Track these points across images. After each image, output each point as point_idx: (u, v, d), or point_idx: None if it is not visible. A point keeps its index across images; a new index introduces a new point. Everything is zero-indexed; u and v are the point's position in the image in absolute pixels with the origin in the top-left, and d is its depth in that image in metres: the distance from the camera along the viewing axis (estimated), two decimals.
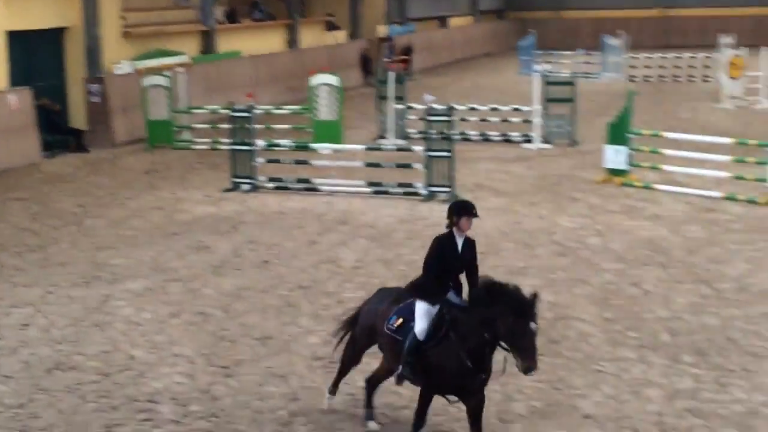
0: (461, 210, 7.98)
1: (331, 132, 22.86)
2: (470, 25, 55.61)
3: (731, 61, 30.53)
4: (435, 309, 7.80)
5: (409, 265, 13.60)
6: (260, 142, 19.00)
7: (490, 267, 13.38)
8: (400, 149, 19.76)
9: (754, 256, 13.80)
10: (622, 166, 18.69)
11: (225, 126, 20.50)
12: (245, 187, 18.68)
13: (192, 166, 21.75)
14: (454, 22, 53.74)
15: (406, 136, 23.84)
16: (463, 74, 42.71)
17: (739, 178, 17.27)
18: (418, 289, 7.98)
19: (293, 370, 9.97)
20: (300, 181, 18.69)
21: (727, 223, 15.72)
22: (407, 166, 18.16)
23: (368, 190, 18.14)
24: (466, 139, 23.56)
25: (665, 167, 18.43)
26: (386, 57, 36.84)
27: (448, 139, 17.55)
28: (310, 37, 38.18)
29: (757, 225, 15.56)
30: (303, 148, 19.66)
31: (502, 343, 7.44)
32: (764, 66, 30.23)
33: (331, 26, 40.76)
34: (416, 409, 7.97)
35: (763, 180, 16.95)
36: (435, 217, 16.42)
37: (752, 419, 8.72)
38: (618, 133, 18.70)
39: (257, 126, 19.55)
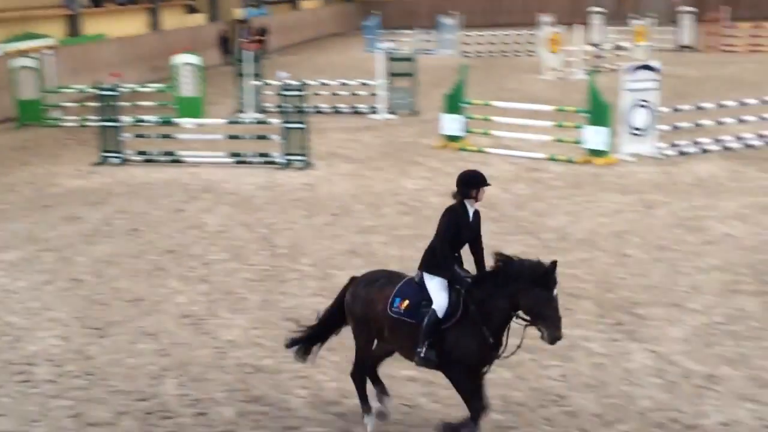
0: (478, 181, 6.95)
1: (193, 107, 22.54)
2: (320, 8, 55.30)
3: (551, 37, 31.33)
4: (446, 283, 6.83)
5: (269, 227, 13.52)
6: (127, 119, 18.47)
7: (343, 227, 13.48)
8: (258, 122, 19.50)
9: (573, 209, 14.24)
10: (458, 133, 18.98)
11: (93, 104, 19.81)
12: (114, 160, 18.13)
13: (62, 143, 20.96)
14: (305, 4, 53.34)
15: (263, 110, 23.55)
16: (314, 53, 42.46)
17: (558, 141, 17.78)
18: (429, 262, 6.95)
19: (163, 328, 9.77)
20: (166, 153, 18.27)
21: (549, 181, 16.16)
22: (265, 137, 17.98)
23: (230, 160, 17.88)
24: (318, 111, 23.46)
25: (495, 133, 18.81)
26: (243, 38, 36.14)
27: (301, 111, 17.43)
28: (172, 19, 37.26)
29: (575, 182, 16.06)
30: (167, 123, 19.20)
31: (522, 315, 6.66)
32: (578, 41, 31.12)
33: (191, 9, 39.86)
34: (464, 399, 6.85)
35: (578, 142, 17.50)
36: (292, 183, 16.35)
37: (572, 351, 9.03)
38: (453, 103, 18.96)
39: (124, 103, 19.01)
